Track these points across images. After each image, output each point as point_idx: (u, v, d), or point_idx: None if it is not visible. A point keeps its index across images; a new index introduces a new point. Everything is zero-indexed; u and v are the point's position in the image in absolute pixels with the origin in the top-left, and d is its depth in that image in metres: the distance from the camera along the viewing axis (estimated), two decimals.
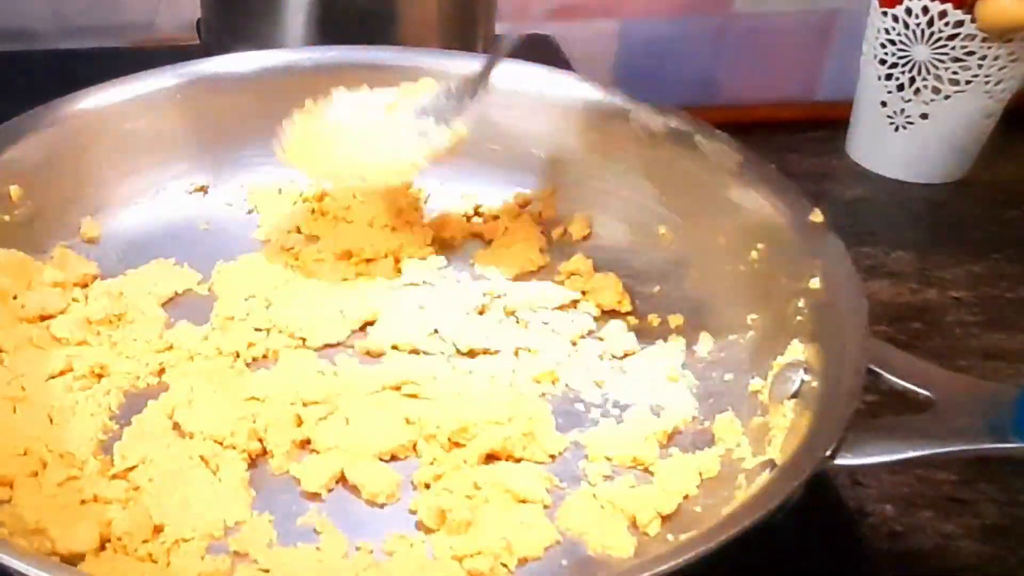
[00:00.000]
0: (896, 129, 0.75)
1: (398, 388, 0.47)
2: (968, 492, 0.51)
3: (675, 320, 0.52)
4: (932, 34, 0.69)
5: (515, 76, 0.56)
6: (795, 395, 0.42)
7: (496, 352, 0.50)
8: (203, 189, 0.58)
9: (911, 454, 0.37)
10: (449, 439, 0.44)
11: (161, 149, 0.57)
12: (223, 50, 0.58)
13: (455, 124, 0.52)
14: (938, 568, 0.47)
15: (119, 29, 0.82)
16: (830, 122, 0.80)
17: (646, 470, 0.44)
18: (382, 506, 0.43)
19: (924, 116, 0.73)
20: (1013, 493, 0.50)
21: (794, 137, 0.80)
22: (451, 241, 0.57)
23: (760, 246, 0.49)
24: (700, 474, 0.43)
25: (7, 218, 0.52)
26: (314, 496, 0.43)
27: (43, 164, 0.53)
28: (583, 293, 0.53)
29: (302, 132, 0.53)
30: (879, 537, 0.48)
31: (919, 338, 0.61)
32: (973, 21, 0.67)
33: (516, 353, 0.50)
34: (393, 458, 0.44)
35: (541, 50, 0.60)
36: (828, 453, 0.36)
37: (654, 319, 0.52)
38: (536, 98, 0.57)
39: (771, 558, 0.37)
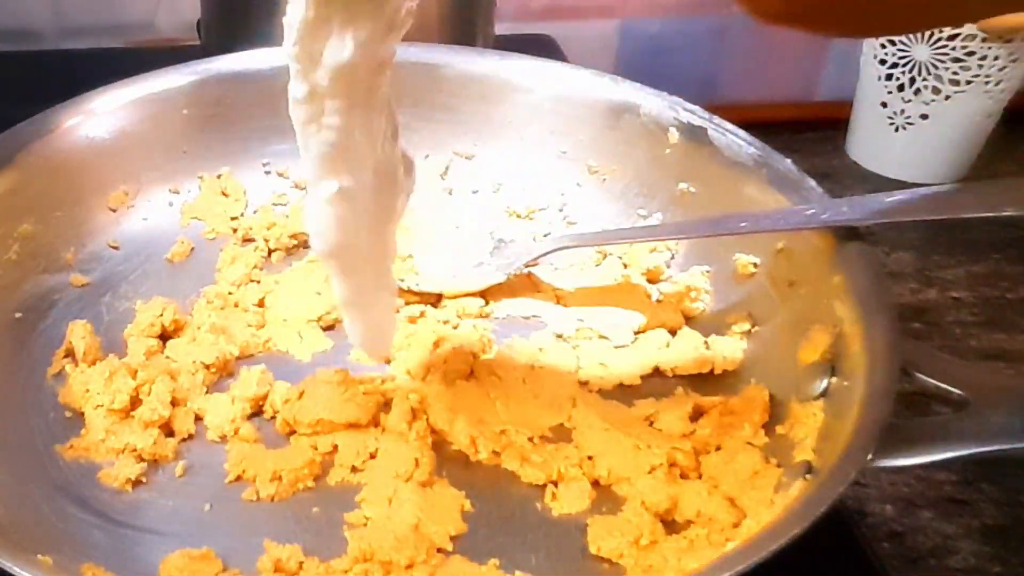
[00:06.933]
0: (896, 129, 0.75)
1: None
2: (968, 492, 0.51)
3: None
4: (932, 34, 0.69)
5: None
6: (823, 395, 0.42)
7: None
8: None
9: (950, 454, 0.37)
10: None
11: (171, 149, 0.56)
12: (223, 50, 0.58)
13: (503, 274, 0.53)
14: (938, 568, 0.47)
15: (119, 29, 0.82)
16: (830, 122, 0.81)
17: None
18: None
19: (924, 116, 0.73)
20: (1013, 493, 0.50)
21: (794, 137, 0.79)
22: None
23: (780, 243, 0.48)
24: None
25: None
26: None
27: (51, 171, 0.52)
28: None
29: None
30: (879, 537, 0.48)
31: (919, 338, 0.61)
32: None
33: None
34: None
35: (541, 50, 0.60)
36: (870, 456, 0.35)
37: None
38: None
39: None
